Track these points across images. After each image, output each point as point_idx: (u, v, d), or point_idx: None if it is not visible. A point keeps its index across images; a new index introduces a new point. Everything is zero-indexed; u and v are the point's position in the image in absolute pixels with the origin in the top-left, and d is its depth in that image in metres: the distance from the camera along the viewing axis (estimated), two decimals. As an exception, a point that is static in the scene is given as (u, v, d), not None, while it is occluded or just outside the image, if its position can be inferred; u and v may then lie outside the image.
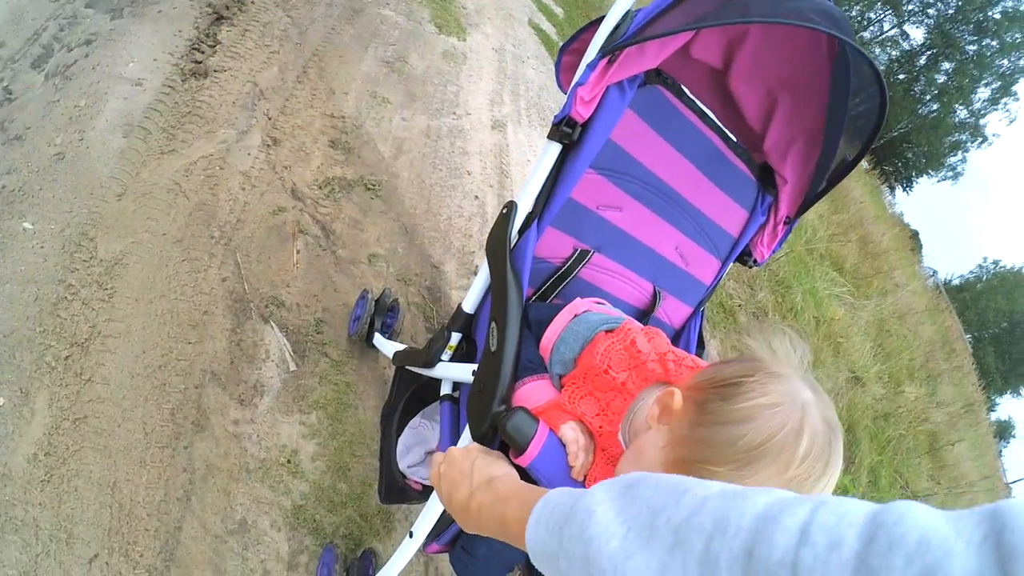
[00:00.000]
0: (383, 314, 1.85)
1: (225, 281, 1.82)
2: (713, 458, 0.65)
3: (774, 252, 1.44)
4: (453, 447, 0.87)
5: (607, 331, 0.93)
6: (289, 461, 1.63)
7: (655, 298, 1.32)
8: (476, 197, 2.70)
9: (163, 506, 1.44)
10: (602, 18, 1.05)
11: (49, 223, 1.70)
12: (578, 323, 0.96)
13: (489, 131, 3.12)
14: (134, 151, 1.93)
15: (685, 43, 1.14)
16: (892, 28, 28.09)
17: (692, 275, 1.37)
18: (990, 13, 24.66)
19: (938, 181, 30.04)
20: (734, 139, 1.31)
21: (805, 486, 0.63)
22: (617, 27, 1.01)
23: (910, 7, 27.28)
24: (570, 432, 0.87)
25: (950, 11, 26.11)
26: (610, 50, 0.97)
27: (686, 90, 1.22)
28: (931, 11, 26.83)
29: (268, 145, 2.20)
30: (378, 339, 1.73)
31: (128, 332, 1.62)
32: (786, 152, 1.30)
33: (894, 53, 27.81)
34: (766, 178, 1.37)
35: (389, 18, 3.22)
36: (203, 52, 2.37)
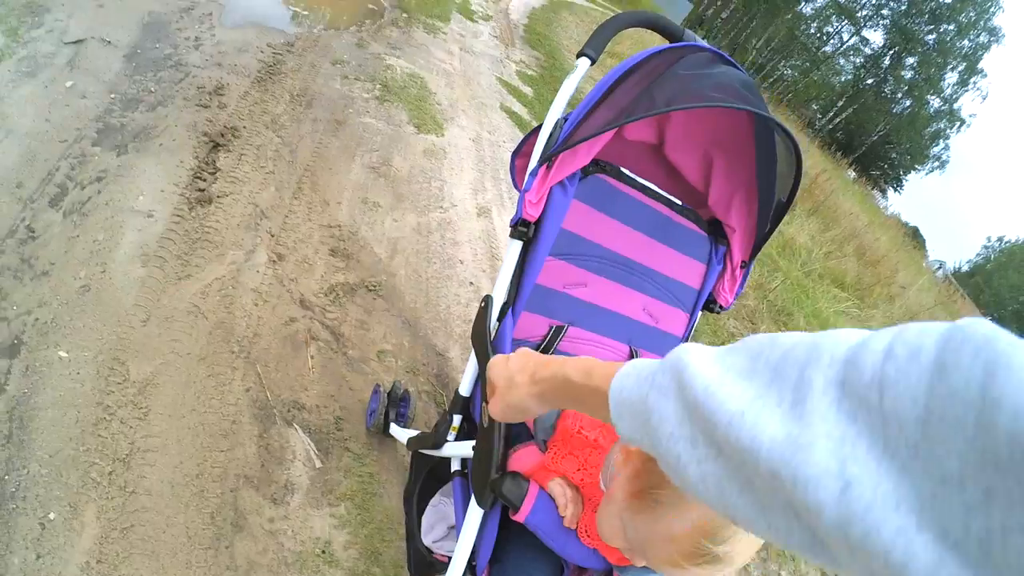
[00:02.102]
0: (396, 405, 1.98)
1: (248, 391, 1.97)
2: (660, 483, 0.76)
3: (737, 295, 1.58)
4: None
5: None
6: (324, 552, 1.73)
7: (632, 357, 1.46)
8: (471, 283, 2.85)
9: (212, 605, 1.52)
10: (541, 125, 1.24)
11: (82, 351, 1.81)
12: None
13: (475, 218, 3.29)
14: (153, 279, 2.08)
15: (618, 130, 1.33)
16: (851, 37, 28.84)
17: (663, 330, 1.51)
18: (941, -1, 25.03)
19: (927, 174, 30.16)
20: (679, 203, 1.48)
21: None
22: (551, 135, 1.19)
23: (864, 12, 27.97)
24: (557, 487, 1.02)
25: (903, 7, 26.64)
26: (545, 158, 1.15)
27: (626, 171, 1.39)
28: (884, 11, 27.43)
29: (274, 261, 2.38)
30: (394, 428, 1.86)
31: (165, 446, 1.73)
32: (729, 204, 1.45)
33: (858, 60, 28.47)
34: (716, 230, 1.53)
35: (370, 125, 3.44)
36: (205, 180, 2.52)
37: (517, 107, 4.92)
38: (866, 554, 0.33)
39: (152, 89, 2.81)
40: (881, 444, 0.34)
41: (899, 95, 27.94)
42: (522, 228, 1.19)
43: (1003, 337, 0.32)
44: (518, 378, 0.76)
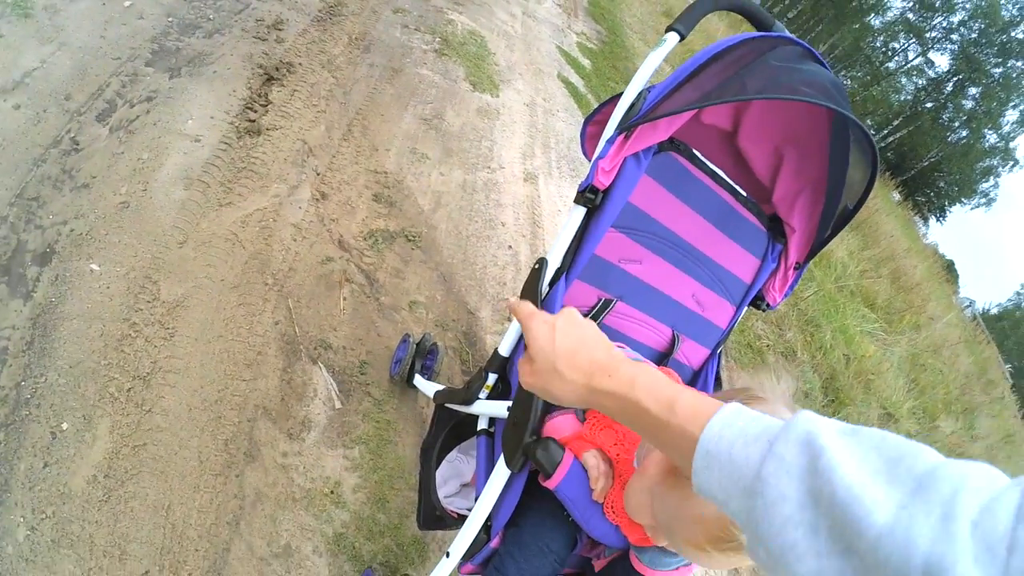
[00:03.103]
0: (423, 357, 1.98)
1: (277, 324, 1.97)
2: None
3: (786, 296, 1.54)
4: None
5: None
6: (332, 492, 1.74)
7: (674, 341, 1.43)
8: (510, 247, 2.83)
9: (213, 529, 1.55)
10: (621, 94, 1.19)
11: (115, 266, 1.83)
12: None
13: (522, 183, 3.26)
14: (194, 203, 2.08)
15: (696, 111, 1.28)
16: (916, 56, 27.98)
17: (708, 319, 1.48)
18: (1013, 34, 24.32)
19: (971, 208, 29.44)
20: (744, 194, 1.43)
21: None
22: (632, 105, 1.15)
23: (933, 34, 27.12)
24: (592, 459, 1.00)
25: (973, 35, 25.84)
26: (625, 127, 1.11)
27: (698, 153, 1.35)
28: (954, 36, 26.59)
29: (317, 199, 2.37)
30: (418, 380, 1.85)
31: (187, 368, 1.75)
32: (793, 203, 1.40)
33: (920, 82, 27.65)
34: (775, 228, 1.48)
35: (427, 77, 3.41)
36: (256, 111, 2.53)
37: (574, 78, 4.84)
38: None
39: (211, 16, 2.80)
40: None
41: (956, 124, 27.12)
42: (590, 195, 1.16)
43: None
44: (570, 375, 0.64)
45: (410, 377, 1.93)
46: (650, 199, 1.29)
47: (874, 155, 1.14)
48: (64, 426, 1.54)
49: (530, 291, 1.18)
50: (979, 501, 0.37)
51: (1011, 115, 26.11)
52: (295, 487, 1.71)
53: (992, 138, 26.94)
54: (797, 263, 1.48)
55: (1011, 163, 27.43)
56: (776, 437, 0.47)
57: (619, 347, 1.19)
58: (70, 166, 2.02)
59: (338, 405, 1.91)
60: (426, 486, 1.49)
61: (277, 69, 2.78)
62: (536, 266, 1.19)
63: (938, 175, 28.38)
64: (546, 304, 1.16)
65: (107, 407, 1.60)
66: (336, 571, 1.64)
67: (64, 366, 1.62)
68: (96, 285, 1.78)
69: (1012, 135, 26.61)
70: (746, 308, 1.53)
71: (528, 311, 0.72)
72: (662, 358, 1.45)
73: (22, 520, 1.40)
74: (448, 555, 1.23)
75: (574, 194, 1.19)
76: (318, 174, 2.46)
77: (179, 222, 2.03)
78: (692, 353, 1.49)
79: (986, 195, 28.76)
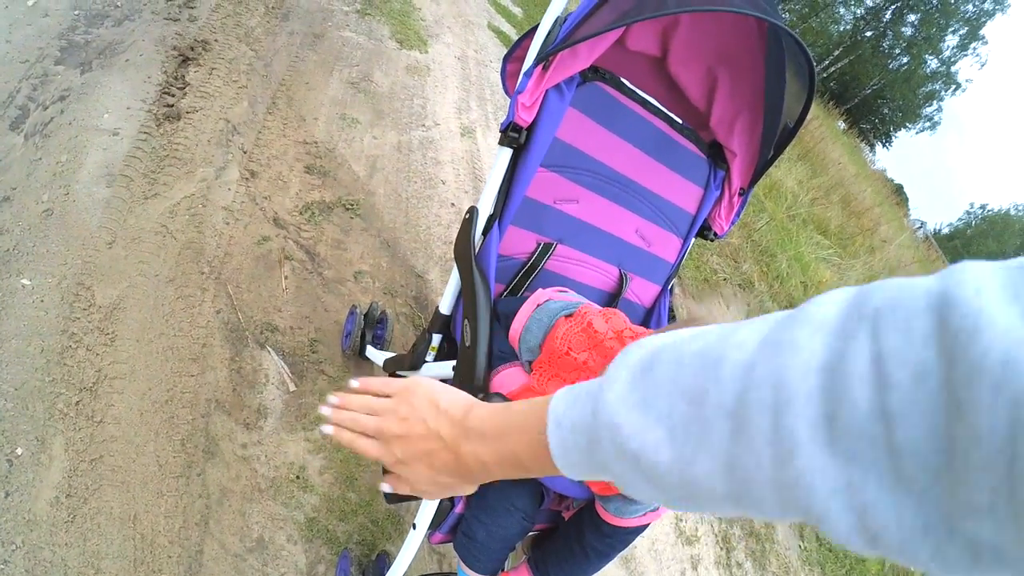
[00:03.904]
0: (373, 327, 1.92)
1: (219, 313, 1.89)
2: None
3: (733, 223, 1.52)
4: (349, 393, 0.66)
5: (566, 316, 1.00)
6: (298, 477, 1.69)
7: (622, 281, 1.40)
8: (452, 204, 2.77)
9: (183, 532, 1.50)
10: (537, 26, 1.13)
11: (46, 277, 1.75)
12: (540, 312, 1.04)
13: (459, 139, 3.19)
14: (119, 199, 1.98)
15: (620, 38, 1.22)
16: (855, -16, 28.11)
17: (655, 255, 1.45)
18: (950, -41, 24.67)
19: (917, 133, 30.17)
20: (680, 121, 1.39)
21: None
22: (549, 34, 1.09)
23: (869, -39, 27.28)
24: None
25: (911, -38, 26.10)
26: (542, 57, 1.05)
27: (626, 82, 1.29)
28: (893, -37, 26.81)
29: (246, 178, 2.27)
30: (370, 351, 1.80)
31: (133, 372, 1.68)
32: (732, 127, 1.37)
33: (859, 11, 27.84)
34: (716, 154, 1.45)
35: (350, 40, 3.28)
36: (173, 95, 2.41)
37: (505, 27, 4.74)
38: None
39: (119, 3, 2.64)
40: (893, 477, 0.30)
41: (897, 51, 27.44)
42: (513, 134, 1.10)
43: (1020, 353, 0.26)
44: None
45: (362, 349, 1.88)
46: (579, 134, 1.23)
47: (811, 66, 1.10)
48: (19, 451, 1.47)
49: (463, 244, 1.13)
50: (814, 390, 0.33)
51: (951, 40, 26.53)
52: (259, 478, 1.66)
53: (933, 63, 27.41)
54: (741, 189, 1.46)
55: (953, 86, 28.03)
56: (593, 451, 0.45)
57: (560, 291, 1.15)
58: (-12, 181, 1.90)
59: (292, 388, 1.84)
60: (387, 459, 1.45)
61: (192, 49, 2.64)
62: (467, 216, 1.14)
63: (882, 102, 28.89)
64: (481, 254, 1.11)
65: (58, 424, 1.54)
66: (313, 557, 1.60)
67: (9, 390, 1.54)
68: (29, 300, 1.70)
69: (953, 59, 27.09)
70: (693, 239, 1.50)
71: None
72: (611, 299, 1.41)
73: (-7, 556, 1.34)
74: (415, 527, 1.20)
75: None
76: (245, 152, 2.35)
77: (106, 222, 1.93)
78: (642, 291, 1.46)
79: (930, 119, 29.42)
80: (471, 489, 0.63)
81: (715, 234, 1.50)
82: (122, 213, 1.96)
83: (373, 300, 2.10)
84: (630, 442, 0.40)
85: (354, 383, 0.67)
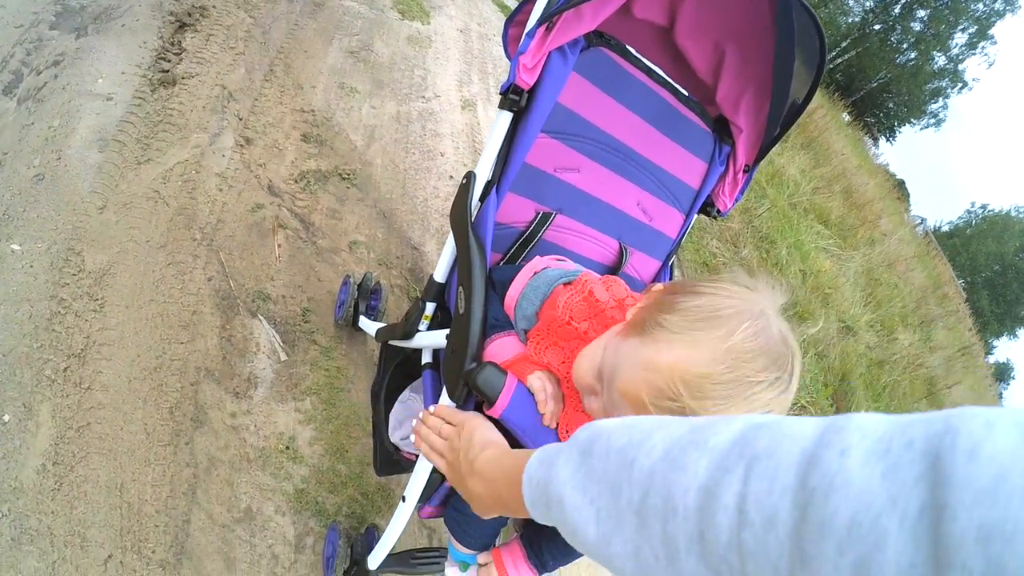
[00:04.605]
0: (367, 297, 1.89)
1: (211, 280, 1.86)
2: (667, 311, 0.71)
3: (737, 201, 1.48)
4: (430, 414, 0.96)
5: (565, 284, 0.97)
6: (288, 448, 1.68)
7: (622, 255, 1.36)
8: (451, 177, 2.73)
9: (170, 502, 1.49)
10: (541, -11, 1.08)
11: (36, 242, 1.73)
12: (537, 279, 1.00)
13: (459, 111, 3.14)
14: (111, 164, 1.96)
15: (626, 4, 1.17)
16: (866, -23, 27.86)
17: (656, 229, 1.41)
18: (963, -43, 24.45)
19: (921, 129, 30.05)
20: (686, 93, 1.35)
21: (743, 368, 0.65)
22: (554, -5, 1.05)
23: (880, -45, 27.03)
24: (536, 381, 0.92)
25: (921, -44, 25.86)
26: (546, 17, 1.01)
27: (632, 49, 1.25)
28: (902, -43, 26.57)
29: (241, 145, 2.23)
30: (363, 321, 1.77)
31: (122, 338, 1.66)
32: (738, 102, 1.33)
33: (868, 3, 27.60)
34: (721, 129, 1.41)
35: (351, 9, 3.22)
36: (169, 61, 2.37)
37: (509, 0, 4.65)
38: None
39: (116, -31, 2.56)
40: None
41: (905, 46, 27.24)
42: (513, 96, 1.06)
43: (867, 516, 0.28)
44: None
45: (355, 320, 1.85)
46: (582, 100, 1.19)
47: (822, 40, 1.07)
48: (5, 418, 1.46)
49: (459, 210, 1.09)
50: (691, 509, 0.38)
51: (960, 38, 26.37)
52: (248, 447, 1.64)
53: (941, 60, 27.25)
54: (746, 165, 1.42)
55: (960, 85, 27.88)
56: (549, 511, 0.55)
57: (558, 259, 1.12)
58: (-22, 147, 1.87)
59: (283, 357, 1.82)
60: (378, 430, 1.43)
61: (189, 15, 2.59)
62: (464, 181, 1.10)
63: (887, 96, 28.72)
64: (478, 221, 1.08)
65: (45, 391, 1.52)
66: (302, 528, 1.59)
67: None
68: (19, 266, 1.68)
69: (961, 57, 26.93)
70: (696, 216, 1.47)
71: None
72: (610, 273, 1.38)
73: (-21, 524, 1.33)
74: (404, 499, 1.18)
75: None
76: (240, 119, 2.31)
77: (97, 186, 1.90)
78: (642, 266, 1.43)
79: (935, 116, 29.29)
80: (482, 514, 0.77)
81: (718, 211, 1.46)
82: (114, 178, 1.94)
83: (367, 270, 2.07)
84: (571, 515, 0.49)
85: (432, 408, 1.00)
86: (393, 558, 1.34)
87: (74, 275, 1.72)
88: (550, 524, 0.55)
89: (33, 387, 1.52)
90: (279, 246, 2.05)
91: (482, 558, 1.13)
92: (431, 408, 1.01)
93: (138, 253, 1.82)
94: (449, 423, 0.92)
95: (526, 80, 1.04)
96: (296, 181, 2.26)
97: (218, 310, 1.82)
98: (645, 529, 0.40)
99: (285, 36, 2.77)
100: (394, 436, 1.42)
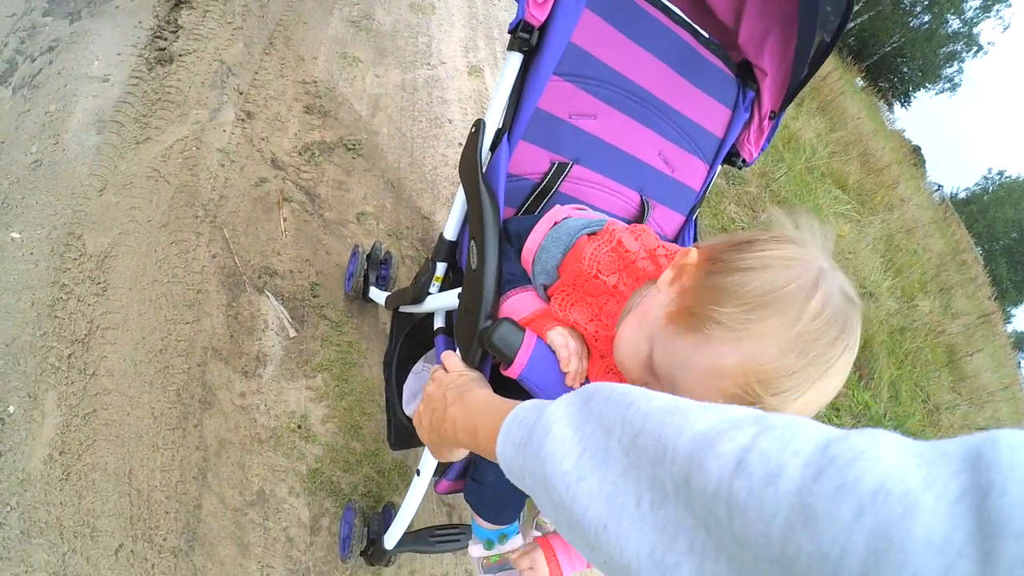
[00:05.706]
0: (376, 267, 1.83)
1: (215, 258, 1.81)
2: (719, 301, 0.62)
3: (763, 150, 1.40)
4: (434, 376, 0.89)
5: (590, 234, 0.89)
6: (300, 427, 1.63)
7: (643, 208, 1.28)
8: (460, 144, 2.65)
9: (180, 487, 1.45)
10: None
11: (36, 229, 1.70)
12: (558, 230, 0.92)
13: (466, 77, 3.06)
14: (109, 145, 1.91)
15: (641, -60, 1.09)
16: (876, -60, 27.18)
17: (680, 181, 1.33)
18: (978, -82, 23.84)
19: (936, 93, 29.49)
20: (706, 35, 1.26)
21: (815, 348, 0.59)
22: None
23: (894, -83, 26.35)
24: (558, 337, 0.84)
25: (935, -83, 25.24)
26: (557, -58, 0.92)
27: (648, -14, 1.16)
28: (915, -82, 25.93)
29: (242, 119, 2.17)
30: (374, 292, 1.71)
31: (126, 322, 1.62)
32: (762, 44, 1.24)
33: (880, -34, 26.92)
34: (745, 73, 1.32)
35: (351, -22, 3.12)
36: (166, 39, 2.32)
37: (515, -37, 4.51)
38: None
39: (108, -50, 2.50)
40: (737, 569, 0.32)
41: (918, 9, 26.61)
42: (523, 34, 0.98)
43: (897, 487, 0.26)
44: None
45: (366, 291, 1.79)
46: (597, 40, 1.10)
47: None
48: (11, 409, 1.43)
49: (468, 160, 1.02)
50: (681, 453, 0.36)
51: (974, 0, 25.70)
52: (259, 428, 1.59)
53: (955, 23, 26.62)
54: (772, 112, 1.33)
55: (975, 48, 27.26)
56: (526, 443, 0.51)
57: (579, 208, 1.04)
58: (-24, 137, 1.84)
59: (292, 333, 1.76)
60: (391, 402, 1.37)
61: (185, -9, 2.52)
62: (473, 129, 1.02)
63: (901, 60, 28.16)
64: (489, 172, 1.00)
65: (50, 379, 1.49)
66: (317, 510, 1.55)
67: (1, 346, 1.49)
68: (19, 254, 1.65)
69: (975, 20, 26.30)
70: (720, 166, 1.38)
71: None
72: (631, 229, 1.30)
73: (-13, 517, 1.30)
74: (419, 473, 1.12)
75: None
76: (241, 93, 2.24)
77: (96, 169, 1.86)
78: (665, 221, 1.35)
79: (950, 80, 28.70)
80: (447, 454, 0.79)
81: (744, 161, 1.38)
82: (112, 159, 1.90)
83: (377, 240, 2.00)
84: (549, 446, 0.46)
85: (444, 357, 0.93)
86: (411, 536, 1.29)
87: (75, 259, 1.68)
88: (510, 469, 0.53)
89: (37, 376, 1.48)
90: (284, 220, 1.99)
91: (517, 541, 1.07)
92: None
93: (139, 234, 1.77)
94: (452, 371, 0.89)
95: (536, 16, 0.96)
96: (300, 153, 2.20)
97: (224, 288, 1.77)
98: (634, 470, 0.39)
99: (284, 8, 2.69)
100: (408, 408, 1.37)
